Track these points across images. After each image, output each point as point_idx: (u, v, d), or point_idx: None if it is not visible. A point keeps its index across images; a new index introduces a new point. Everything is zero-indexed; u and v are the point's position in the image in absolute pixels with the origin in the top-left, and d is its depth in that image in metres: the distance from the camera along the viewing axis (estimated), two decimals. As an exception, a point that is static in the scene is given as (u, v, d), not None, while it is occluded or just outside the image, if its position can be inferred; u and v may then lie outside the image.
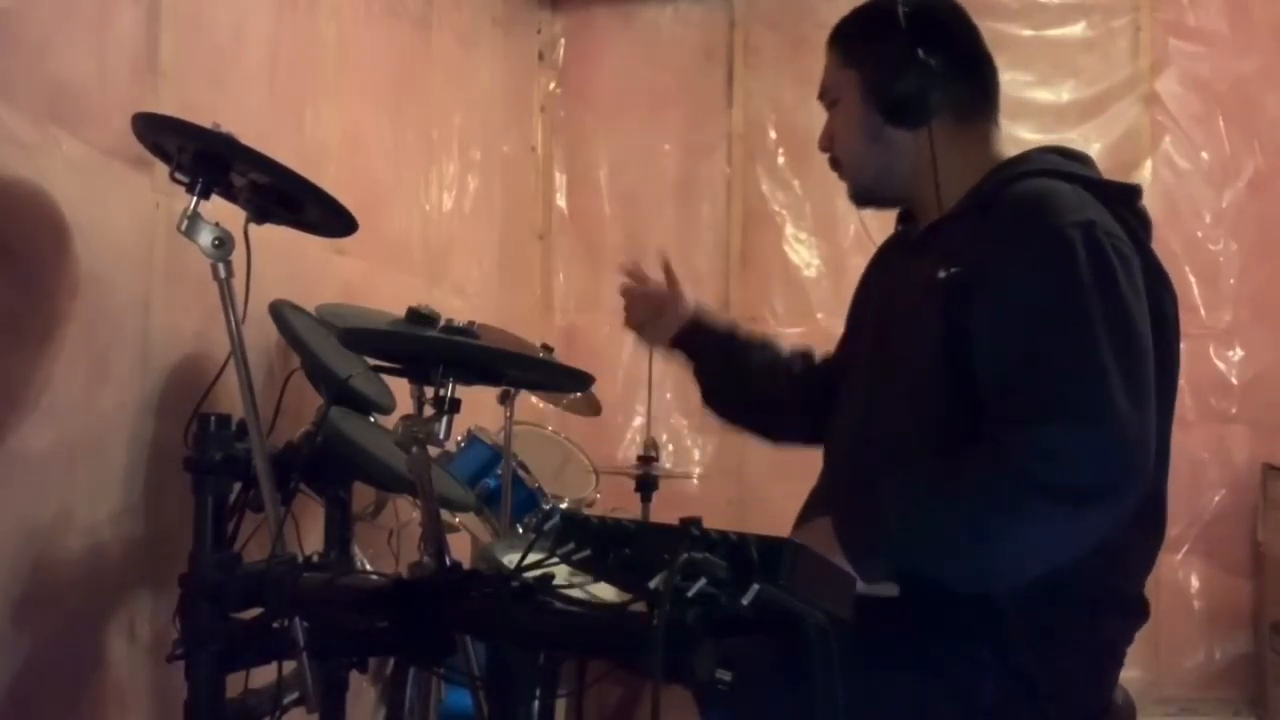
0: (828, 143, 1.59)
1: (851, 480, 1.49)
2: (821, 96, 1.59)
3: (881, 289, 1.64)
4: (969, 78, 1.51)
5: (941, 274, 1.39)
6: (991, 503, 1.24)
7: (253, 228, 1.61)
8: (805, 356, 1.81)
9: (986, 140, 1.52)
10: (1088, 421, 1.22)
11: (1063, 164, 1.44)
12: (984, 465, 1.26)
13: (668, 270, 1.82)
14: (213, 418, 1.64)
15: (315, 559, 1.76)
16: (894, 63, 1.45)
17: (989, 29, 1.58)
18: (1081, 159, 1.48)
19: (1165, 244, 3.87)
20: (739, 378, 1.77)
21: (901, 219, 1.67)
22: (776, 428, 1.82)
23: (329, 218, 1.67)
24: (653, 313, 1.81)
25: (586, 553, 1.14)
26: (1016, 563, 1.26)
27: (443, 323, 1.41)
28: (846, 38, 1.56)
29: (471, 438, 2.76)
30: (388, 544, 2.50)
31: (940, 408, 1.36)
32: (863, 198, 1.60)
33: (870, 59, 1.50)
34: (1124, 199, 1.42)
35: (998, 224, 1.37)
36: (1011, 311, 1.31)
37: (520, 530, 2.64)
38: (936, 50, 1.45)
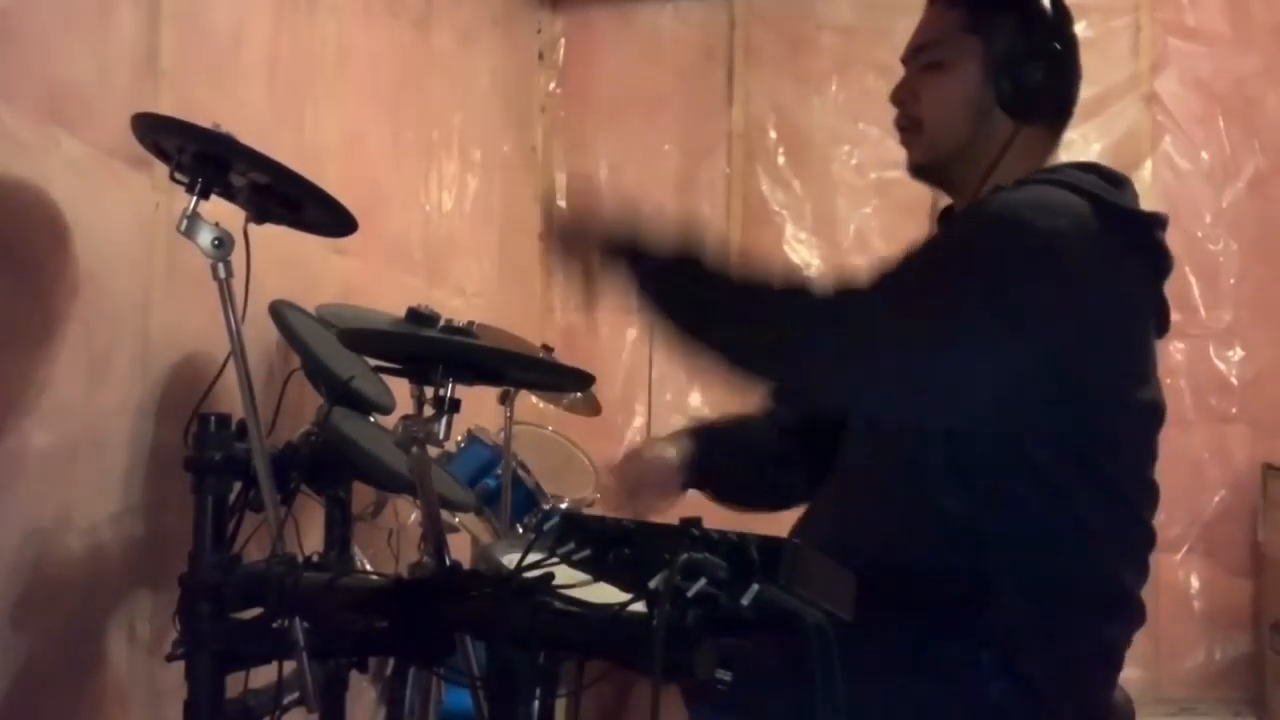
0: (910, 99, 1.48)
1: (846, 480, 1.49)
2: (919, 51, 1.49)
3: None
4: (1072, 87, 1.48)
5: None
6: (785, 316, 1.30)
7: (252, 228, 1.61)
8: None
9: (1050, 153, 1.48)
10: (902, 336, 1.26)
11: (1080, 179, 1.39)
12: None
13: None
14: (213, 418, 1.64)
15: (315, 559, 1.76)
16: (1034, 47, 1.41)
17: (989, 28, 1.57)
18: (1114, 180, 1.42)
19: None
20: (755, 459, 1.69)
21: (941, 218, 1.63)
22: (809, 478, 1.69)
23: (329, 218, 1.67)
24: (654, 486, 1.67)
25: (586, 553, 1.13)
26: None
27: (443, 323, 1.41)
28: (977, 2, 1.46)
29: (471, 438, 2.76)
30: (388, 544, 2.50)
31: None
32: (928, 169, 1.50)
33: (1006, 33, 1.42)
34: (1138, 228, 1.38)
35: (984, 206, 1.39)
36: (929, 246, 1.35)
37: (520, 530, 2.64)
38: (1067, 47, 1.43)
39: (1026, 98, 1.42)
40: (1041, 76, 1.41)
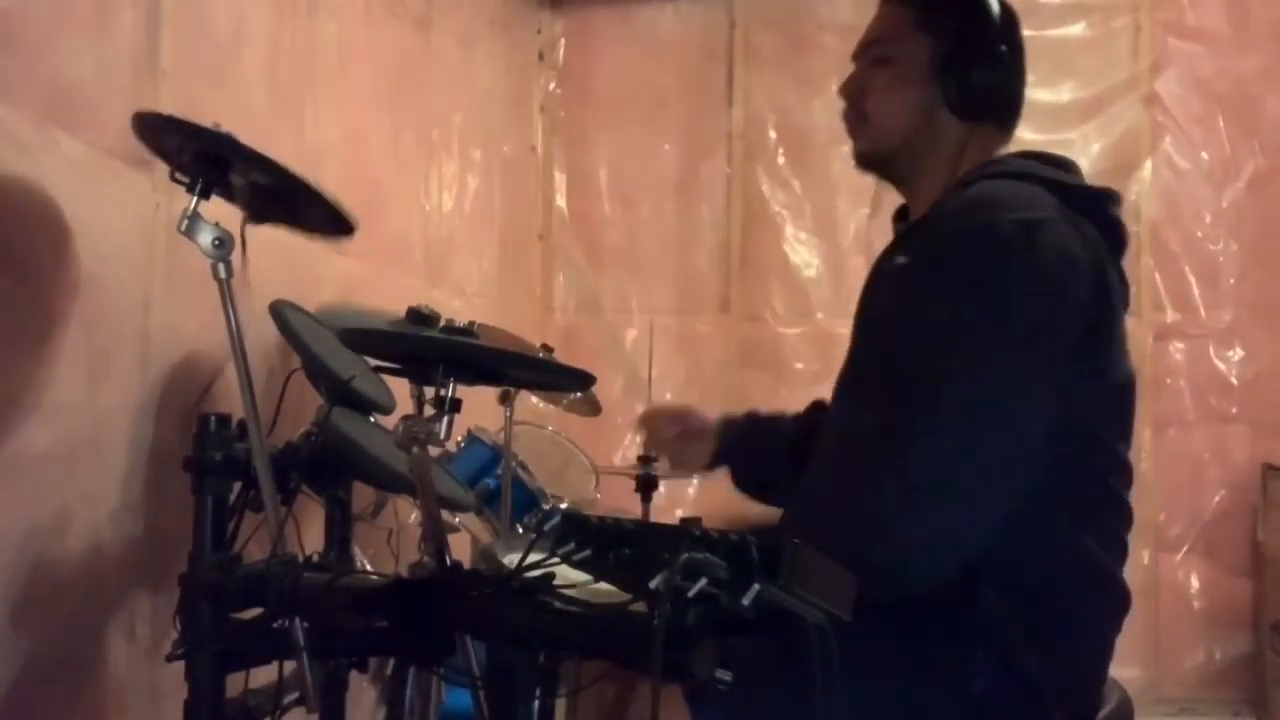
0: (857, 92, 1.51)
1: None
2: (868, 46, 1.52)
3: (865, 293, 1.62)
4: (1019, 88, 1.50)
5: (898, 261, 1.41)
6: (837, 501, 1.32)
7: (253, 227, 1.61)
8: (820, 406, 1.75)
9: (997, 150, 1.51)
10: (932, 433, 1.24)
11: (1030, 166, 1.42)
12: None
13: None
14: (213, 418, 1.64)
15: (315, 559, 1.76)
16: (980, 49, 1.43)
17: (989, 28, 1.57)
18: (1060, 164, 1.45)
19: (1165, 244, 3.89)
20: (778, 455, 1.72)
21: (896, 218, 1.65)
22: None
23: (326, 218, 1.66)
24: (680, 435, 1.79)
25: (586, 553, 1.13)
26: (865, 554, 1.26)
27: (443, 323, 1.41)
28: (930, 1, 1.49)
29: (471, 438, 2.76)
30: (388, 544, 2.50)
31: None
32: (872, 161, 1.53)
33: (954, 34, 1.44)
34: (1095, 204, 1.40)
35: (939, 222, 1.38)
36: (915, 303, 1.33)
37: (520, 530, 2.64)
38: (1013, 50, 1.44)
39: (970, 97, 1.44)
40: (987, 78, 1.43)
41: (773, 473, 1.73)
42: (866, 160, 1.54)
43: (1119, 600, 1.41)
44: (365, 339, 1.58)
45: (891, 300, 1.41)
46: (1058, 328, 1.28)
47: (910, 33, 1.48)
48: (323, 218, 1.66)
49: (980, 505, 1.25)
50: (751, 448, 1.75)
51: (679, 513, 2.84)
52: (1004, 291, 1.27)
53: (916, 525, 1.24)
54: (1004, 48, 1.44)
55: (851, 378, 1.49)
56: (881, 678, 1.24)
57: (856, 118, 1.53)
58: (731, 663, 0.99)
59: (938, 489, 1.24)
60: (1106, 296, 1.36)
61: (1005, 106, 1.49)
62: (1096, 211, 1.40)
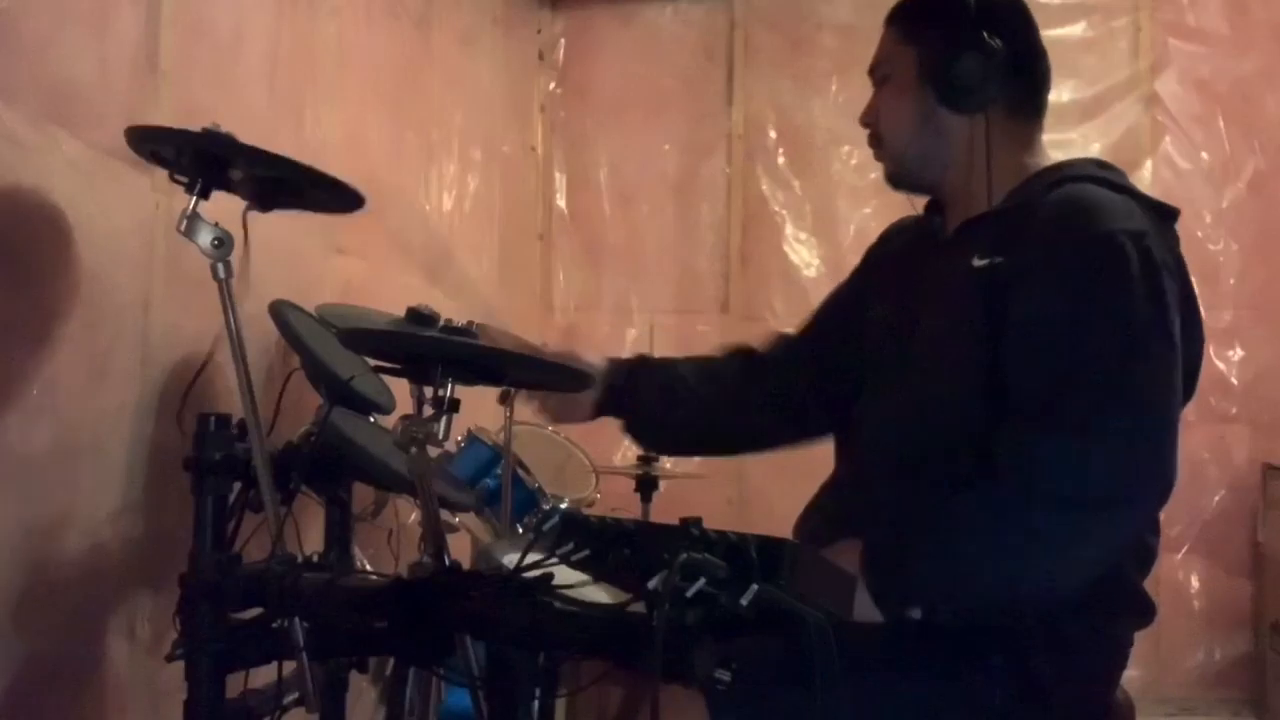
0: (872, 118, 1.56)
1: (892, 487, 1.45)
2: (872, 71, 1.57)
3: (907, 285, 1.58)
4: (1027, 73, 1.51)
5: (977, 262, 1.39)
6: (1012, 528, 1.25)
7: (253, 229, 1.60)
8: (743, 353, 1.76)
9: (1032, 142, 1.52)
10: (1115, 436, 1.27)
11: (1108, 174, 1.44)
12: (1003, 490, 1.27)
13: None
14: (213, 418, 1.64)
15: (315, 559, 1.76)
16: (957, 43, 1.43)
17: (990, 28, 1.57)
18: (1120, 173, 1.47)
19: (1165, 244, 3.89)
20: (683, 400, 1.70)
21: (928, 210, 1.63)
22: (741, 435, 1.78)
23: (332, 198, 1.64)
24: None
25: (586, 553, 1.14)
26: (1048, 581, 1.27)
27: (442, 322, 1.41)
28: (908, 15, 1.53)
29: (471, 438, 2.76)
30: (388, 544, 2.50)
31: (984, 404, 1.34)
32: (900, 179, 1.56)
33: (932, 37, 1.47)
34: (1165, 217, 1.43)
35: (1043, 223, 1.36)
36: (1054, 312, 1.30)
37: (520, 530, 2.64)
38: (1001, 37, 1.44)
39: (957, 91, 1.45)
40: (967, 68, 1.43)
41: (676, 419, 1.72)
42: (894, 179, 1.57)
43: (1140, 611, 1.41)
44: (365, 339, 1.58)
45: (979, 302, 1.37)
46: (1170, 341, 1.31)
47: (899, 48, 1.52)
48: (328, 196, 1.64)
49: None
50: (649, 394, 1.73)
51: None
52: (1130, 302, 1.29)
53: (1096, 540, 1.26)
54: (986, 34, 1.43)
55: (944, 383, 1.43)
56: (894, 680, 1.24)
57: (875, 142, 1.56)
58: (745, 664, 0.99)
59: (1116, 502, 1.26)
60: (1192, 311, 1.38)
61: (1014, 90, 1.48)
62: (1165, 224, 1.42)
